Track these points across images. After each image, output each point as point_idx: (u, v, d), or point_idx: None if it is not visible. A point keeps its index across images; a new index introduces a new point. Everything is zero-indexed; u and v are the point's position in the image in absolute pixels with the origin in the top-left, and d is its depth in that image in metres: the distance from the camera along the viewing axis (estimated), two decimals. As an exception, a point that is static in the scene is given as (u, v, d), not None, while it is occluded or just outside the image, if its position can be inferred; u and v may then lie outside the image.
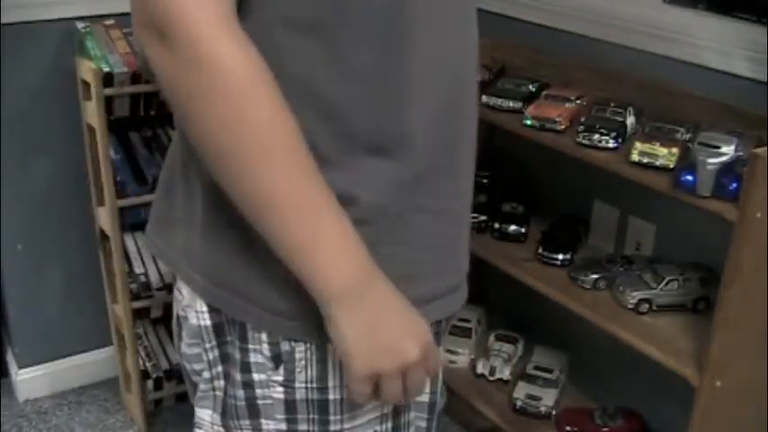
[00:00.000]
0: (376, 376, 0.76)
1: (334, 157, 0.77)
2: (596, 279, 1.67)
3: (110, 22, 1.96)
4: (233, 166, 0.71)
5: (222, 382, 0.86)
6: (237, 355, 0.83)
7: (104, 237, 2.03)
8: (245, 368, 0.83)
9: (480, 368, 2.03)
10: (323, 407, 0.84)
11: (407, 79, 0.79)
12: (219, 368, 0.86)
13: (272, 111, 0.70)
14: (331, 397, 0.84)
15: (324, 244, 0.73)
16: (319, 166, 0.75)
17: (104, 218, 1.98)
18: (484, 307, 2.25)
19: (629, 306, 1.58)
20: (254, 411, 0.85)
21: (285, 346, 0.81)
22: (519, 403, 1.90)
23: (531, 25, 1.98)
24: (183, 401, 2.22)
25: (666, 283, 1.58)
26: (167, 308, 2.13)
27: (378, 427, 0.88)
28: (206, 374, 0.87)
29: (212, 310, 0.83)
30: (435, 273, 0.87)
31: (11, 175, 2.04)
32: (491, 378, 2.02)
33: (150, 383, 2.13)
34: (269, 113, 0.70)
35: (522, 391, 1.93)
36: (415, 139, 0.80)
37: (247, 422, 0.85)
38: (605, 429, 1.79)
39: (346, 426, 0.85)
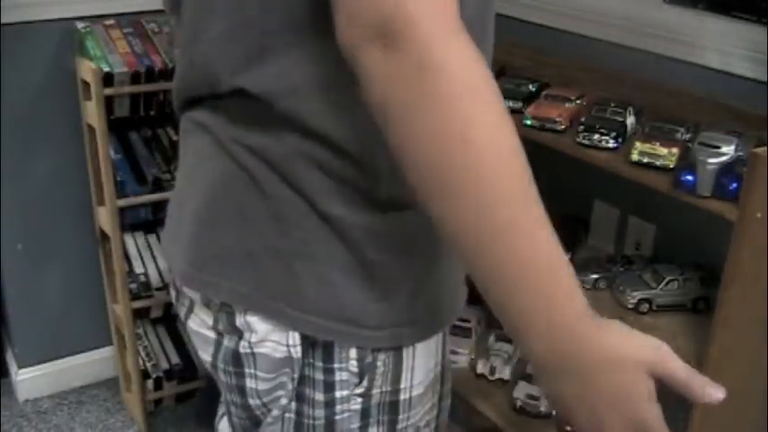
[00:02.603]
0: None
1: None
2: (596, 279, 1.67)
3: (110, 22, 1.96)
4: (446, 189, 0.65)
5: (294, 404, 0.85)
6: (320, 376, 0.82)
7: (104, 237, 2.03)
8: (329, 388, 0.83)
9: (480, 368, 2.03)
10: (393, 408, 0.86)
11: None
12: (294, 391, 0.85)
13: (500, 129, 0.65)
14: (402, 398, 0.86)
15: (552, 300, 0.67)
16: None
17: (104, 218, 1.98)
18: (484, 307, 2.25)
19: (629, 306, 1.58)
20: (331, 428, 0.85)
21: (369, 358, 0.82)
22: (519, 403, 1.90)
23: (531, 25, 1.98)
24: (183, 401, 2.22)
25: (666, 283, 1.58)
26: (167, 308, 2.13)
27: (429, 416, 0.91)
28: (283, 401, 0.85)
29: (304, 339, 0.82)
30: (461, 274, 0.90)
31: (11, 175, 2.04)
32: (491, 378, 2.01)
33: (150, 383, 2.14)
34: (496, 132, 0.64)
35: (522, 390, 1.93)
36: None
37: None
38: (605, 429, 1.79)
39: (410, 422, 0.88)
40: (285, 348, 0.82)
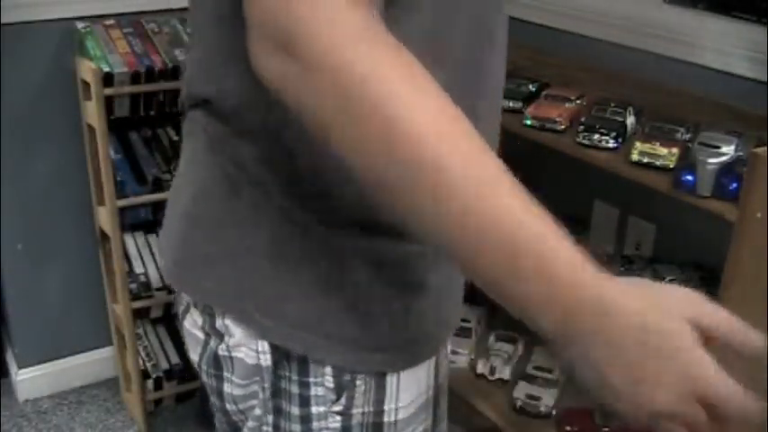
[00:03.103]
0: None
1: None
2: (596, 279, 1.67)
3: (110, 22, 1.96)
4: (382, 189, 0.64)
5: (271, 417, 0.84)
6: (296, 390, 0.81)
7: (104, 237, 2.03)
8: (304, 402, 0.81)
9: (480, 368, 2.03)
10: (378, 430, 0.83)
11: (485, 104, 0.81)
12: (270, 404, 0.83)
13: (414, 121, 0.60)
14: (386, 420, 0.83)
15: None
16: None
17: (104, 218, 1.98)
18: (484, 307, 2.25)
19: (629, 306, 1.58)
20: None
21: (347, 376, 0.80)
22: (519, 403, 1.90)
23: (531, 25, 1.98)
24: (183, 401, 2.22)
25: (666, 283, 1.58)
26: (167, 308, 2.13)
27: None
28: (257, 411, 0.85)
29: (274, 348, 0.80)
30: (454, 299, 0.90)
31: (11, 175, 2.04)
32: (491, 378, 2.01)
33: (150, 383, 2.13)
34: (409, 126, 0.60)
35: (522, 391, 1.93)
36: None
37: None
38: (605, 429, 1.79)
39: None
40: (255, 355, 0.80)
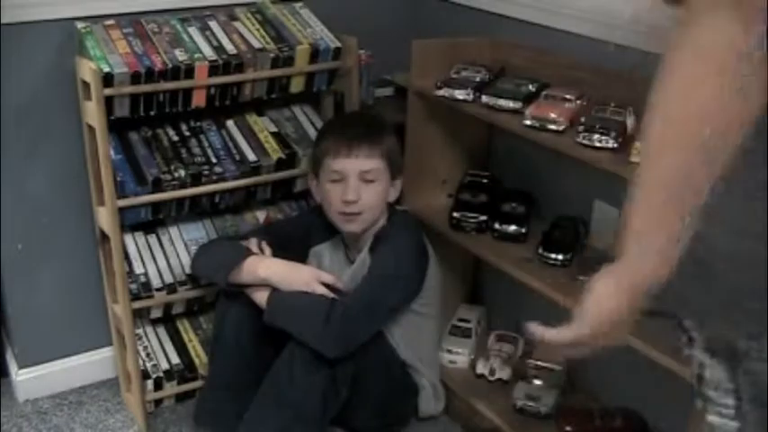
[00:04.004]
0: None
1: None
2: (596, 279, 1.66)
3: (110, 22, 1.96)
4: None
5: None
6: None
7: (104, 237, 2.03)
8: None
9: (480, 368, 2.03)
10: None
11: None
12: None
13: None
14: None
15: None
16: None
17: (104, 218, 1.98)
18: (484, 307, 2.25)
19: (630, 306, 1.58)
20: None
21: None
22: (519, 403, 1.90)
23: (531, 25, 1.98)
24: (183, 401, 2.22)
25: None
26: (167, 308, 2.13)
27: None
28: None
29: None
30: None
31: (11, 174, 2.04)
32: (491, 378, 2.02)
33: (150, 383, 2.14)
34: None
35: (522, 391, 1.93)
36: None
37: None
38: (605, 429, 1.79)
39: None
40: None
